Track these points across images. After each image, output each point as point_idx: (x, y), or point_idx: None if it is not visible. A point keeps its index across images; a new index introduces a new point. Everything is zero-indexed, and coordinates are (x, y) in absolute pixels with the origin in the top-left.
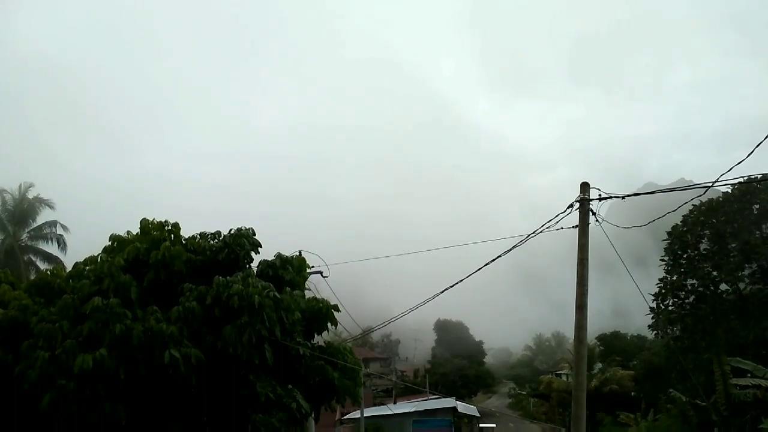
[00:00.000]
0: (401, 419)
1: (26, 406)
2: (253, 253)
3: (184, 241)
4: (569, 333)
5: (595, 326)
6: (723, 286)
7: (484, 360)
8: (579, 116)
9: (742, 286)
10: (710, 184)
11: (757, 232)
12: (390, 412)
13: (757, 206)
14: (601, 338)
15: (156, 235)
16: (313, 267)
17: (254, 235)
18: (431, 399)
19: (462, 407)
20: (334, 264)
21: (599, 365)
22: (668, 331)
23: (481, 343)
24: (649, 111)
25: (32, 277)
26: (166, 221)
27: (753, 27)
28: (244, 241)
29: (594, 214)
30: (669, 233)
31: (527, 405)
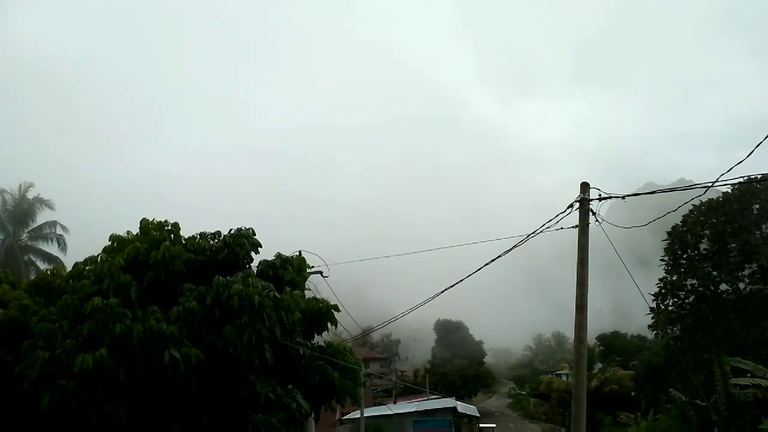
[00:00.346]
0: (401, 419)
1: (26, 406)
2: (253, 253)
3: (184, 241)
4: (569, 333)
5: (595, 326)
6: (723, 286)
7: (484, 360)
8: (579, 116)
9: (742, 286)
10: (710, 184)
11: (757, 232)
12: (390, 412)
13: (757, 206)
14: (601, 338)
15: (156, 235)
16: (313, 267)
17: (254, 234)
18: (431, 399)
19: (462, 407)
20: (334, 264)
21: (599, 365)
22: (668, 331)
23: (481, 343)
24: (649, 111)
25: (32, 277)
26: (165, 221)
27: (753, 27)
28: (244, 241)
29: (594, 214)
30: (669, 233)
31: (527, 405)
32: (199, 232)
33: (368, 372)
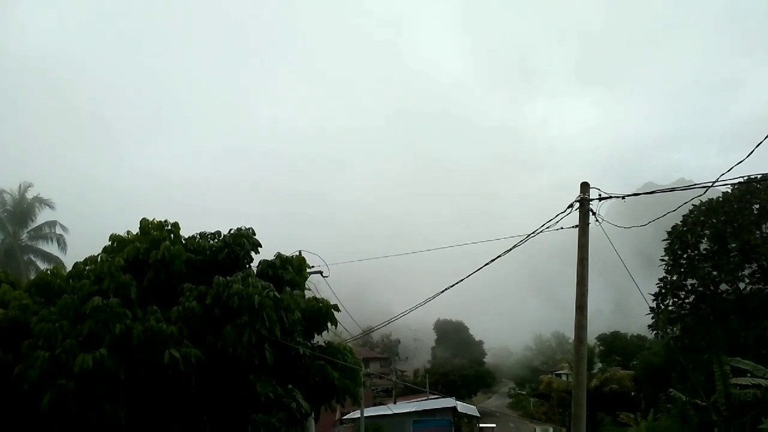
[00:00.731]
0: (401, 419)
1: (26, 406)
2: (253, 253)
3: (183, 241)
4: (569, 333)
5: (596, 326)
6: (723, 286)
7: (484, 360)
8: (580, 116)
9: (742, 286)
10: (710, 184)
11: (757, 232)
12: (390, 412)
13: (757, 206)
14: (601, 338)
15: (156, 235)
16: (313, 267)
17: (254, 234)
18: (431, 399)
19: (462, 407)
20: (334, 264)
21: (599, 365)
22: (668, 331)
23: (481, 343)
24: (649, 111)
25: (32, 277)
26: (165, 221)
27: (754, 27)
28: (244, 240)
29: (594, 213)
30: (669, 233)
31: (527, 405)
32: (199, 232)
33: (368, 372)
